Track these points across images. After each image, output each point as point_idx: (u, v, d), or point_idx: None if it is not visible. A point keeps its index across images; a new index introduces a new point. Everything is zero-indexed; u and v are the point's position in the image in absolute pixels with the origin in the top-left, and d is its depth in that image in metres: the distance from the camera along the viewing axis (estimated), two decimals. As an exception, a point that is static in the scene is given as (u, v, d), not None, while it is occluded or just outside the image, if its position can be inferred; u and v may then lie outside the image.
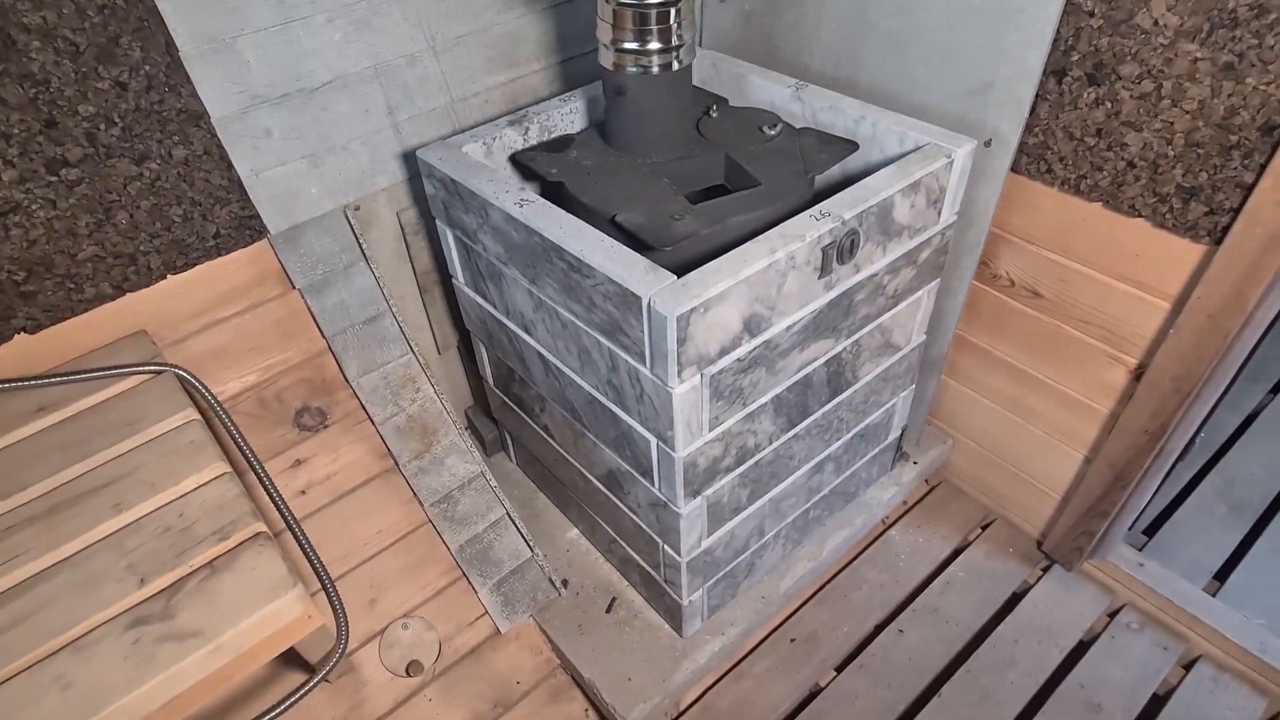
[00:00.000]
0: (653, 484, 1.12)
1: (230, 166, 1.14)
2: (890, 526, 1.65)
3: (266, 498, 1.10)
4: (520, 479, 1.65)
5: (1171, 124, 1.05)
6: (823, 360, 1.14)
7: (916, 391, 1.52)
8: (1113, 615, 1.49)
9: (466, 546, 1.37)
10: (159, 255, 1.13)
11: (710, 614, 1.37)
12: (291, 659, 1.18)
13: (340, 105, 1.21)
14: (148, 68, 1.03)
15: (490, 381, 1.49)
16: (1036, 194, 1.25)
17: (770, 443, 1.17)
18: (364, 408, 1.33)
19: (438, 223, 1.26)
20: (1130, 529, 1.58)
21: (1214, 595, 1.49)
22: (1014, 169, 1.25)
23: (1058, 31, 1.09)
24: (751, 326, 0.97)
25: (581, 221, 1.00)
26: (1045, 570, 1.56)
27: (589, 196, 1.09)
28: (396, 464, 1.35)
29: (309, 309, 1.27)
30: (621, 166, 1.16)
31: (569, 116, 1.30)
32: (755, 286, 0.93)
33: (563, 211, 1.02)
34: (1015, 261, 1.34)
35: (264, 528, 0.87)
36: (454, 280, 1.34)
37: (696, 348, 0.92)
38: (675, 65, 1.09)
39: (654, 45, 1.07)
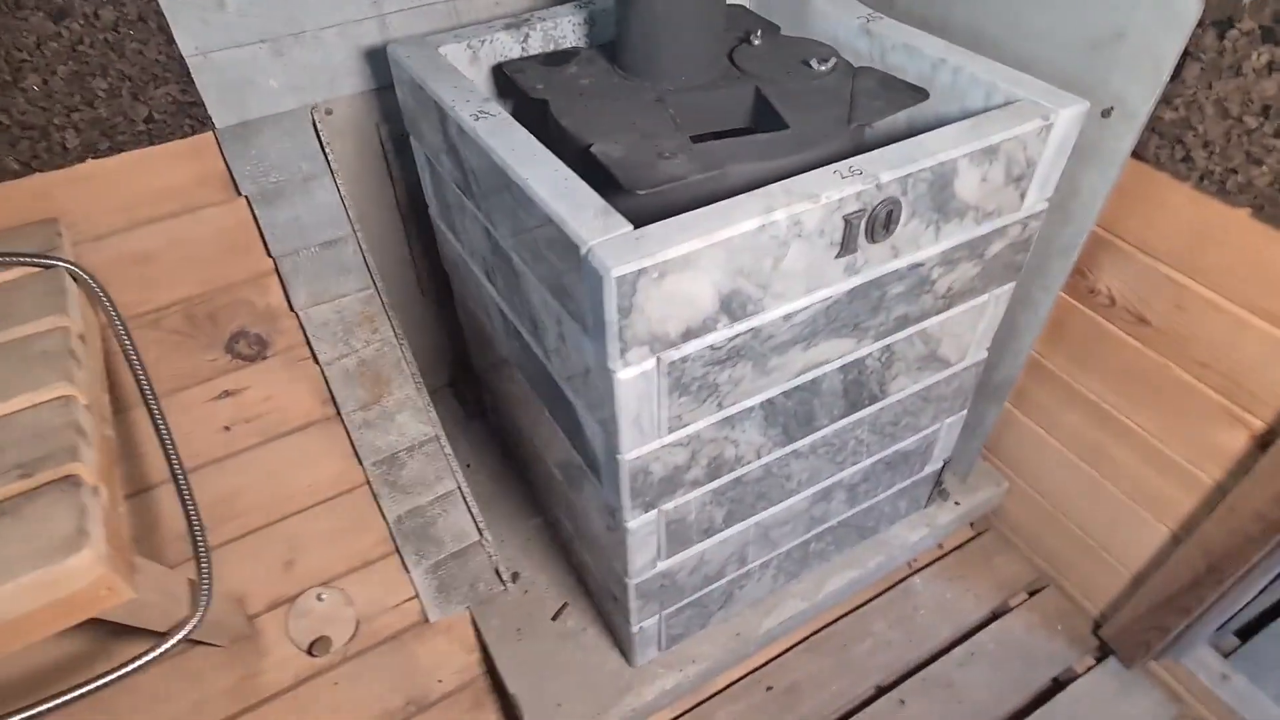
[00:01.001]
0: (600, 486, 0.91)
1: (171, 40, 0.97)
2: (916, 572, 1.39)
3: (158, 433, 0.94)
4: (496, 451, 1.47)
5: (1379, 105, 0.74)
6: (837, 364, 0.89)
7: (969, 419, 1.24)
8: (1176, 732, 1.20)
9: (406, 518, 1.20)
10: (77, 133, 0.97)
11: (669, 644, 1.15)
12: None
13: (311, -17, 1.02)
14: (68, -97, 0.86)
15: (467, 333, 1.30)
16: (1163, 189, 0.95)
17: (759, 457, 0.94)
18: (309, 343, 1.16)
19: (411, 140, 1.07)
20: (1220, 628, 1.27)
21: (1316, 732, 1.17)
22: (1137, 153, 0.95)
23: (1231, -37, 0.79)
24: (732, 307, 0.73)
25: (541, 146, 0.79)
26: (1099, 660, 1.27)
27: (570, 120, 0.87)
28: (339, 412, 1.18)
29: (256, 220, 1.10)
30: (623, 90, 0.93)
31: (581, 28, 1.07)
32: (739, 255, 0.69)
33: (523, 131, 0.81)
34: (1120, 275, 1.04)
35: (81, 470, 0.70)
36: (429, 210, 1.15)
37: (648, 323, 0.69)
38: (702, -36, 0.85)
39: (677, -66, 0.83)
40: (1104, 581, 1.26)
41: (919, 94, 0.90)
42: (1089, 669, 1.26)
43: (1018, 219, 0.89)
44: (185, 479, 0.92)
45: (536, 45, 1.05)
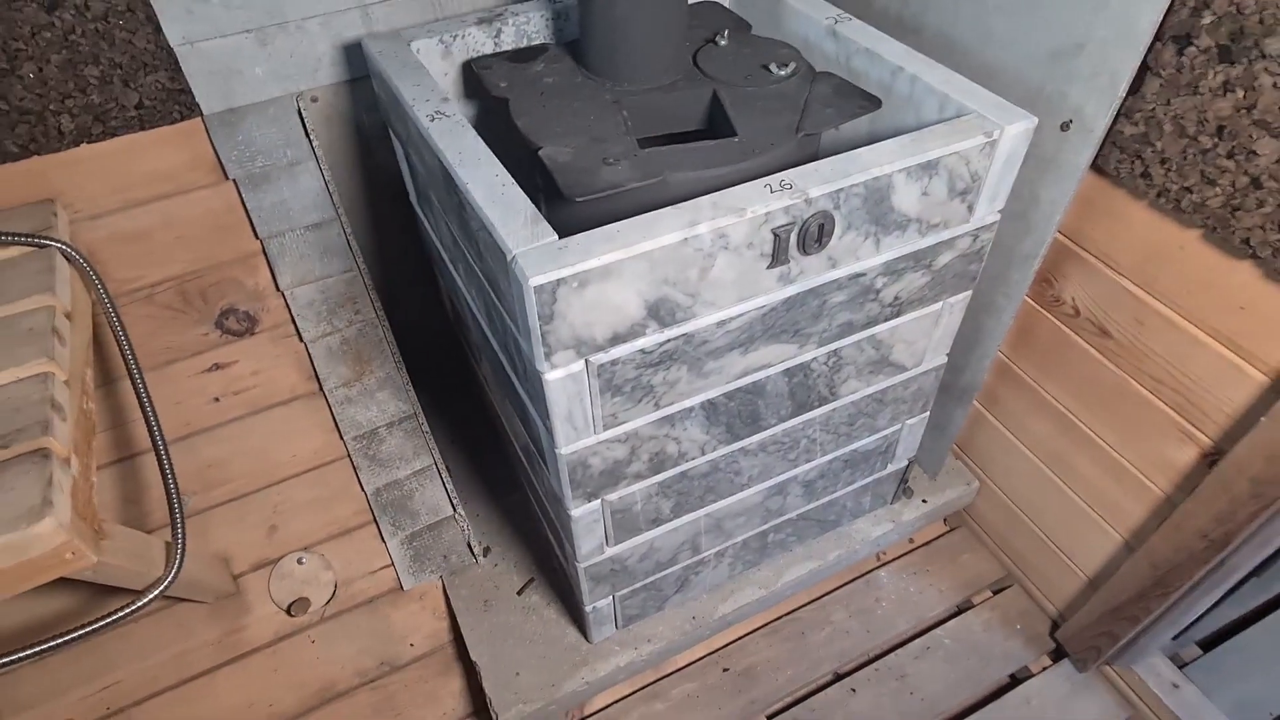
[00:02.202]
0: (549, 473, 0.95)
1: (159, 29, 1.02)
2: (883, 565, 1.41)
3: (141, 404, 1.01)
4: (477, 428, 1.52)
5: (1323, 133, 0.73)
6: (779, 368, 0.91)
7: (935, 421, 1.26)
8: (1124, 736, 1.21)
9: (384, 490, 1.26)
10: (72, 118, 1.03)
11: (625, 623, 1.20)
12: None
13: (295, -25, 1.05)
14: (57, -101, 0.90)
15: (450, 316, 1.35)
16: (1122, 204, 0.95)
17: (703, 453, 0.97)
18: (294, 321, 1.21)
19: (389, 129, 1.10)
20: (1178, 637, 1.27)
21: (1266, 744, 1.18)
22: (1098, 167, 0.94)
23: (1188, -20, 0.78)
24: (661, 315, 0.76)
25: (486, 149, 0.81)
26: (1054, 661, 1.29)
27: (526, 121, 0.89)
28: (322, 388, 1.24)
29: (243, 203, 1.15)
30: (583, 90, 0.95)
31: (553, 23, 1.09)
32: (662, 266, 0.72)
33: (472, 134, 0.84)
34: (1085, 286, 1.04)
35: (52, 443, 0.76)
36: (409, 197, 1.19)
37: (572, 329, 0.72)
38: (660, -33, 0.86)
39: (634, -62, 0.84)
40: (1063, 584, 1.27)
41: (871, 103, 0.90)
42: (1044, 669, 1.28)
43: (967, 231, 0.90)
44: (165, 449, 0.99)
45: (509, 40, 1.07)
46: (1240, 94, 0.78)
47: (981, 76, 0.97)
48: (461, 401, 1.56)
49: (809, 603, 1.36)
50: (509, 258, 0.69)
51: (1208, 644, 1.31)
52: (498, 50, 1.07)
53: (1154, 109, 0.86)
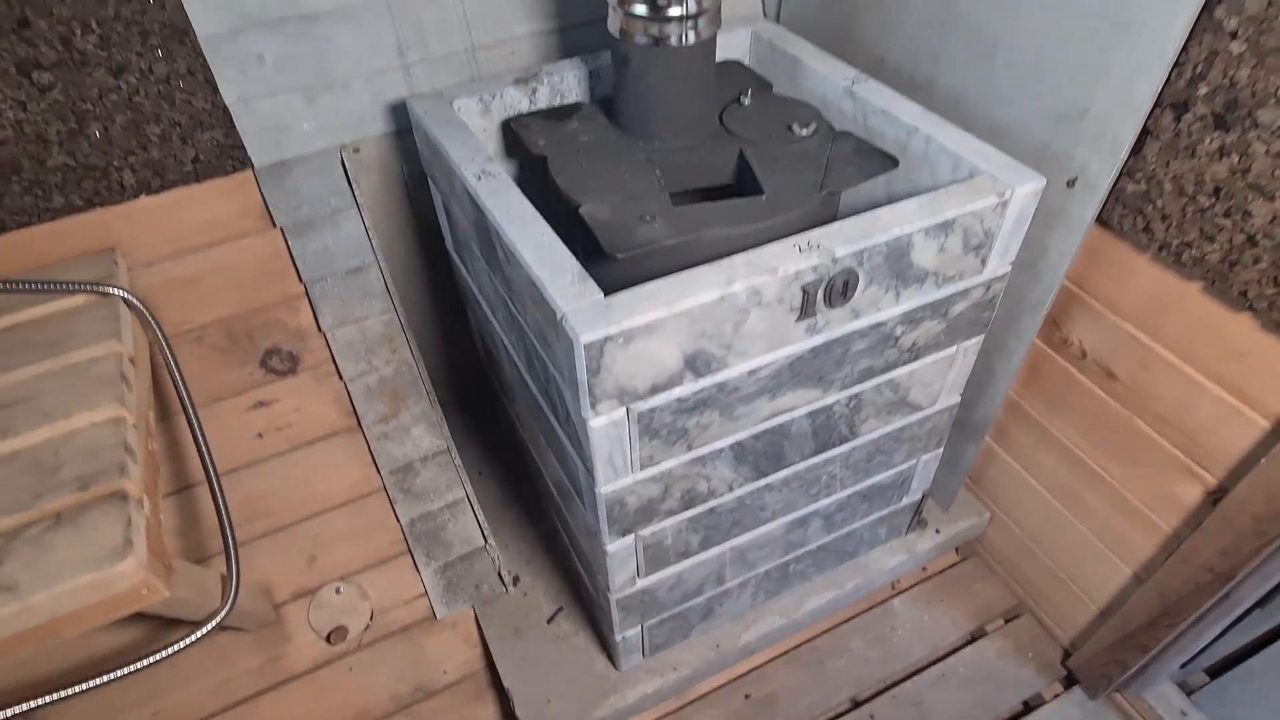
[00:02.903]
0: (585, 510, 1.00)
1: (215, 90, 1.08)
2: (898, 594, 1.46)
3: (195, 439, 1.06)
4: (506, 460, 1.57)
5: (1313, 198, 0.79)
6: (804, 410, 0.97)
7: (948, 454, 1.30)
8: (1135, 762, 1.25)
9: (418, 522, 1.31)
10: (133, 173, 1.09)
11: (652, 651, 1.25)
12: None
13: (343, 37, 1.12)
14: (129, -26, 0.97)
15: (480, 353, 1.40)
16: (1126, 255, 1.00)
17: (731, 490, 1.02)
18: (334, 360, 1.27)
19: (429, 180, 1.16)
20: (1187, 665, 1.31)
21: (1274, 771, 1.22)
22: (1103, 220, 1.00)
23: (1184, 53, 0.84)
24: (697, 365, 0.81)
25: (531, 208, 0.87)
26: (1065, 688, 1.33)
27: (565, 178, 0.96)
28: (360, 424, 1.29)
29: (289, 249, 1.21)
30: (618, 148, 1.01)
31: (586, 81, 1.15)
32: (700, 321, 0.77)
33: (518, 193, 0.90)
34: (1091, 330, 1.09)
35: (128, 485, 0.81)
36: (445, 243, 1.25)
37: (616, 381, 0.77)
38: (691, 38, 0.93)
39: (668, 12, 0.90)
40: (1073, 613, 1.31)
41: (889, 162, 0.96)
42: (1056, 696, 1.32)
43: (980, 282, 0.95)
44: (220, 489, 1.04)
45: (544, 99, 1.14)
46: (1235, 159, 0.84)
47: (990, 133, 1.03)
48: (489, 434, 1.61)
49: (827, 630, 1.40)
50: (559, 315, 0.75)
51: (1215, 671, 1.35)
52: (533, 108, 1.13)
53: (1154, 169, 0.92)
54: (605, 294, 0.76)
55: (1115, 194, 0.97)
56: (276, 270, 1.23)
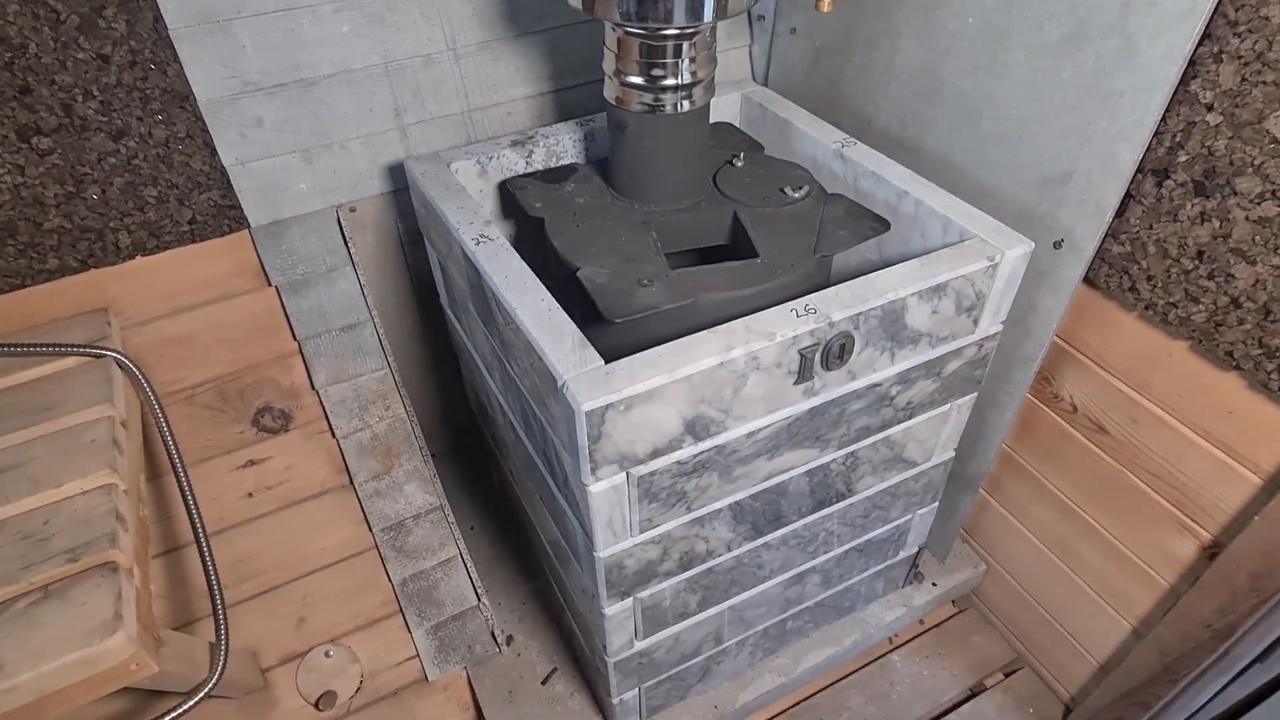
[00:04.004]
0: (582, 571, 0.99)
1: (214, 153, 1.09)
2: (896, 649, 1.44)
3: (185, 500, 1.05)
4: (499, 514, 1.56)
5: (1294, 263, 0.81)
6: (802, 470, 0.97)
7: (943, 507, 1.30)
8: (1139, 822, 1.23)
9: (410, 581, 1.29)
10: (129, 234, 1.09)
11: (649, 714, 1.22)
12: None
13: (341, 101, 1.13)
14: (132, 42, 0.98)
15: (473, 407, 1.40)
16: (1113, 314, 1.02)
17: (729, 550, 1.01)
18: (327, 418, 1.26)
19: (424, 238, 1.17)
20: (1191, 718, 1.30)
21: (1279, 829, 1.20)
22: (1090, 280, 1.02)
23: (1163, 123, 0.87)
24: (696, 429, 0.82)
25: (529, 273, 0.88)
26: (1067, 745, 1.31)
27: (562, 241, 0.97)
28: (352, 481, 1.28)
29: (284, 307, 1.21)
30: (614, 210, 1.02)
31: (581, 143, 1.17)
32: (700, 388, 0.78)
33: (516, 258, 0.90)
34: (1081, 385, 1.11)
35: (119, 556, 0.80)
36: (440, 299, 1.25)
37: (617, 447, 0.77)
38: (686, 106, 0.95)
39: (663, 83, 0.93)
40: (1073, 668, 1.30)
41: (881, 225, 0.98)
42: (1058, 753, 1.30)
43: (972, 341, 0.97)
44: (210, 555, 1.02)
45: (540, 160, 1.15)
46: (1216, 224, 0.86)
47: (978, 195, 1.06)
48: (481, 487, 1.60)
49: (825, 688, 1.38)
50: (560, 383, 0.75)
51: (1216, 725, 1.34)
52: (529, 169, 1.15)
53: (1138, 232, 0.94)
54: (604, 357, 0.76)
55: (1101, 255, 0.99)
56: (270, 328, 1.23)
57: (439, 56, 1.17)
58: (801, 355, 0.82)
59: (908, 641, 1.46)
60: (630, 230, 0.98)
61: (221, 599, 1.01)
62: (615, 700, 1.13)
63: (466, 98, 1.22)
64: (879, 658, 1.43)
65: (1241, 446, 0.93)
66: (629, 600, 0.97)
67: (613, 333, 0.87)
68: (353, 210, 1.23)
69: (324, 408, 1.26)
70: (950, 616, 1.50)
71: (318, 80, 1.11)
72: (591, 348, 0.78)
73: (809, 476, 0.99)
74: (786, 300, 0.83)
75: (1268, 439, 0.89)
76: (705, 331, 0.79)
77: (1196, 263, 0.90)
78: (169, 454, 1.06)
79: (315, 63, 1.09)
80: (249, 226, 1.16)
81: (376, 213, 1.25)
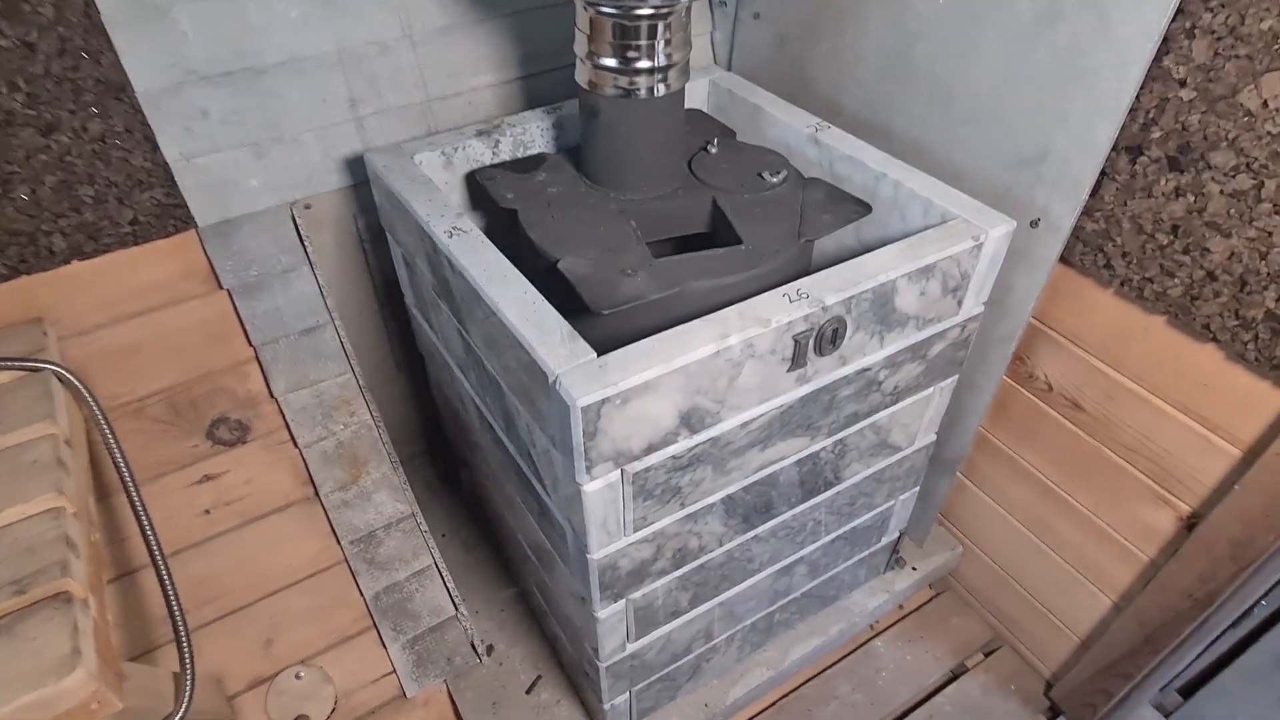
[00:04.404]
0: (572, 575, 0.95)
1: (156, 148, 1.02)
2: (878, 635, 1.44)
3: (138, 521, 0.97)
4: (471, 517, 1.51)
5: (1270, 234, 0.82)
6: (793, 459, 0.95)
7: (923, 490, 1.31)
8: (1122, 791, 1.25)
9: (383, 594, 1.23)
10: (64, 237, 1.01)
11: (640, 717, 1.19)
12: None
13: (293, 91, 1.07)
14: (61, 29, 0.91)
15: (441, 411, 1.35)
16: (1088, 291, 1.03)
17: (720, 544, 0.99)
18: (288, 427, 1.20)
19: (388, 235, 1.12)
20: (1164, 688, 1.33)
21: (1253, 788, 1.24)
22: (1065, 259, 1.03)
23: (1137, 100, 0.87)
24: (691, 422, 0.79)
25: (509, 265, 0.84)
26: (1050, 719, 1.33)
27: (538, 232, 0.93)
28: (317, 492, 1.21)
29: (237, 312, 1.14)
30: (589, 200, 0.99)
31: (549, 132, 1.13)
32: (696, 378, 0.75)
33: (493, 250, 0.86)
34: (1056, 364, 1.12)
35: (72, 585, 0.73)
36: (405, 299, 1.20)
37: (613, 443, 0.74)
38: (661, 90, 0.92)
39: (637, 65, 0.89)
40: (1053, 644, 1.32)
41: (863, 208, 0.97)
42: (1041, 729, 1.32)
43: (956, 323, 0.96)
44: (170, 579, 0.95)
45: (506, 150, 1.11)
46: (1191, 199, 0.87)
47: (951, 177, 1.05)
48: (450, 491, 1.54)
49: (812, 678, 1.37)
50: (551, 378, 0.71)
51: (1187, 690, 1.37)
52: (496, 160, 1.11)
53: (1113, 209, 0.95)
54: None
55: (1076, 232, 1.00)
56: (223, 334, 1.15)
57: (395, 43, 1.11)
58: (795, 341, 0.80)
59: (889, 627, 1.46)
60: (608, 220, 0.95)
61: (184, 625, 0.94)
62: (606, 706, 1.10)
63: (425, 87, 1.17)
64: (862, 645, 1.43)
65: (1218, 418, 0.95)
66: (621, 602, 0.94)
67: (596, 325, 0.84)
68: (308, 207, 1.17)
69: (284, 416, 1.19)
70: (928, 600, 1.51)
71: (266, 69, 1.04)
72: (582, 340, 0.74)
73: (799, 466, 0.97)
74: (773, 287, 0.81)
75: (1246, 409, 0.91)
76: (698, 320, 0.76)
77: (1171, 237, 0.91)
78: (119, 472, 0.98)
79: (263, 50, 1.03)
80: (196, 226, 1.09)
81: (333, 209, 1.19)
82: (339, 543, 1.22)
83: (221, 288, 1.13)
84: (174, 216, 1.07)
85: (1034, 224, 0.99)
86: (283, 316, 1.17)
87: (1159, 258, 0.93)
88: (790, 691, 1.35)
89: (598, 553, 0.85)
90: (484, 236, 0.88)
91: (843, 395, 0.92)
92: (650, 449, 0.78)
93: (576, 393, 0.69)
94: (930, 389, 1.04)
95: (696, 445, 0.82)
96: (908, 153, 1.10)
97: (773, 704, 1.34)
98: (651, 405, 0.74)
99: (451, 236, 0.88)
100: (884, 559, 1.36)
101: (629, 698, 1.12)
